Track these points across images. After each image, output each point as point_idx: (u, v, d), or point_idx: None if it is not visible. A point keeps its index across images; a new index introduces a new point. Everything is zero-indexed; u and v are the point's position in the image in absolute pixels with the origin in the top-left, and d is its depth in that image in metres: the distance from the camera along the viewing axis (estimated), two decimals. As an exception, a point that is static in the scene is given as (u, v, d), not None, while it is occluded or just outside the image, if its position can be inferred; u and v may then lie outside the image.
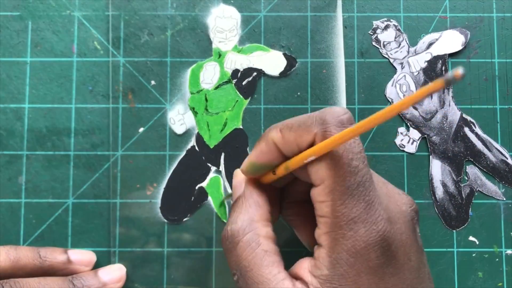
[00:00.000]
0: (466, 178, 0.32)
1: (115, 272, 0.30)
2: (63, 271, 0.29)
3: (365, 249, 0.21)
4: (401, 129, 0.32)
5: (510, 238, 0.32)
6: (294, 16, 0.33)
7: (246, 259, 0.23)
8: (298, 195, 0.27)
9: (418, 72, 0.33)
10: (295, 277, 0.23)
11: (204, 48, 0.33)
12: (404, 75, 0.33)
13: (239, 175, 0.26)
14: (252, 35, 0.33)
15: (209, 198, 0.32)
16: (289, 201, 0.27)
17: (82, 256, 0.30)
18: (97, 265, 0.30)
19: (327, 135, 0.21)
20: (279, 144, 0.23)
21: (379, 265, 0.21)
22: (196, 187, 0.32)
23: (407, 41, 0.33)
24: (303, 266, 0.23)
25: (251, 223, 0.24)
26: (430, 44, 0.33)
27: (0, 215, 0.31)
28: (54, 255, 0.29)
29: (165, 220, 0.32)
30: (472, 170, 0.32)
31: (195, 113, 0.32)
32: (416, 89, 0.33)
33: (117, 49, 0.33)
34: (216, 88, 0.32)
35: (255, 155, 0.25)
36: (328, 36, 0.33)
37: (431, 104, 0.32)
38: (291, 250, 0.27)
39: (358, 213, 0.21)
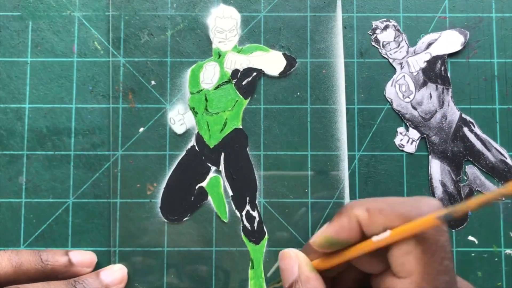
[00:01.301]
0: (465, 178, 0.32)
1: (117, 273, 0.30)
2: (65, 274, 0.29)
3: None
4: (401, 129, 0.32)
5: (509, 238, 0.32)
6: (294, 16, 0.33)
7: None
8: (350, 283, 0.26)
9: (418, 72, 0.33)
10: None
11: (204, 48, 0.33)
12: (404, 75, 0.33)
13: (289, 257, 0.24)
14: (252, 35, 0.33)
15: (209, 198, 0.32)
16: None
17: (83, 257, 0.30)
18: (98, 264, 0.30)
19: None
20: (363, 224, 0.22)
21: None
22: (196, 187, 0.32)
23: (407, 41, 0.33)
24: None
25: None
26: (429, 44, 0.33)
27: (0, 215, 0.31)
28: (55, 258, 0.29)
29: (165, 220, 0.32)
30: (471, 170, 0.32)
31: (195, 113, 0.32)
32: (416, 89, 0.33)
33: (117, 49, 0.33)
34: (216, 88, 0.32)
35: (334, 229, 0.23)
36: (328, 36, 0.33)
37: (430, 104, 0.32)
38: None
39: None
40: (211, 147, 0.32)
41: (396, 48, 0.33)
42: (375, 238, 0.21)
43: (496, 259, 0.31)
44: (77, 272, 0.30)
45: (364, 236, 0.22)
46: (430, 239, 0.20)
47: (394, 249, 0.21)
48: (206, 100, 0.32)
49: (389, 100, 0.32)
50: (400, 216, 0.21)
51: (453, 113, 0.32)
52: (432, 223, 0.19)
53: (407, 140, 0.32)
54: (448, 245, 0.21)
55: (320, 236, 0.23)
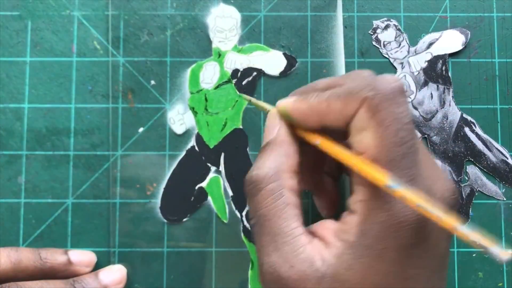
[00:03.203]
0: (467, 178, 0.32)
1: (116, 273, 0.30)
2: (64, 273, 0.29)
3: (398, 225, 0.20)
4: (401, 129, 0.32)
5: (510, 238, 0.31)
6: (294, 16, 0.33)
7: (266, 208, 0.22)
8: (327, 167, 0.27)
9: (419, 72, 0.33)
10: (314, 235, 0.22)
11: (204, 48, 0.33)
12: (404, 75, 0.33)
13: (274, 118, 0.25)
14: (252, 34, 0.33)
15: (209, 198, 0.32)
16: (319, 166, 0.27)
17: (83, 257, 0.30)
18: (97, 265, 0.30)
19: (376, 105, 0.20)
20: (322, 112, 0.22)
21: (409, 245, 0.20)
22: (196, 187, 0.32)
23: (407, 41, 0.33)
24: (326, 226, 0.22)
25: (277, 172, 0.23)
26: (430, 44, 0.33)
27: (-1, 215, 0.31)
28: (54, 257, 0.29)
29: (165, 220, 0.32)
30: (472, 170, 0.32)
31: (195, 113, 0.32)
32: (417, 89, 0.32)
33: (116, 49, 0.32)
34: (216, 88, 0.32)
35: (292, 108, 0.24)
36: (328, 36, 0.33)
37: (431, 104, 0.32)
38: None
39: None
40: (211, 147, 0.32)
41: (397, 47, 0.33)
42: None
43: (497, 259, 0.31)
44: (76, 272, 0.29)
45: (324, 125, 0.23)
46: (384, 112, 0.20)
47: (351, 125, 0.21)
48: (206, 100, 0.32)
49: (389, 100, 0.32)
50: (355, 96, 0.21)
51: (454, 113, 0.32)
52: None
53: (408, 140, 0.32)
54: (405, 116, 0.20)
55: (282, 104, 0.24)
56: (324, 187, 0.27)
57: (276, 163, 0.23)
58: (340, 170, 0.28)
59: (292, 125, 0.24)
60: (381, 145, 0.20)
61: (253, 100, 0.29)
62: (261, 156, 0.24)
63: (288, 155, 0.23)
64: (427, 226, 0.20)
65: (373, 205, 0.20)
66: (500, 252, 0.16)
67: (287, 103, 0.24)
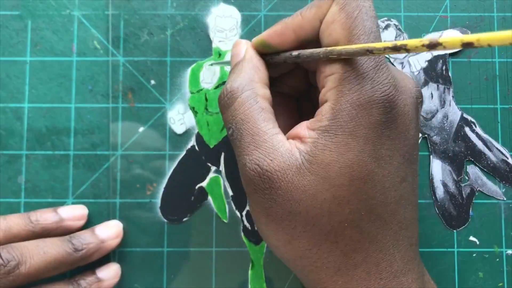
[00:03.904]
0: (467, 178, 0.32)
1: (112, 228, 0.30)
2: (57, 230, 0.29)
3: (368, 104, 0.21)
4: (402, 129, 0.32)
5: (510, 238, 0.31)
6: (294, 15, 0.33)
7: (243, 113, 0.23)
8: (287, 88, 0.28)
9: (419, 72, 0.32)
10: (291, 138, 0.23)
11: (204, 47, 0.33)
12: (405, 75, 0.33)
13: (239, 44, 0.27)
14: (252, 34, 0.33)
15: (209, 198, 0.32)
16: (276, 90, 0.28)
17: (74, 212, 0.30)
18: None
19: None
20: (297, 25, 0.24)
21: (379, 123, 0.21)
22: (196, 187, 0.32)
23: (408, 41, 0.33)
24: (301, 126, 0.23)
25: (250, 82, 0.24)
26: (430, 44, 0.33)
27: (-1, 215, 0.31)
28: (44, 217, 0.29)
29: (165, 220, 0.32)
30: (472, 170, 0.32)
31: (195, 113, 0.32)
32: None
33: (117, 48, 0.32)
34: (216, 87, 0.32)
35: (268, 33, 0.25)
36: (329, 36, 0.33)
37: (431, 104, 0.32)
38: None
39: (368, 70, 0.21)
40: (211, 147, 0.32)
41: (397, 47, 0.33)
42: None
43: (498, 259, 0.31)
44: (69, 227, 0.30)
45: (299, 43, 0.25)
46: (352, 5, 0.22)
47: (323, 23, 0.23)
48: (206, 99, 0.32)
49: (390, 99, 0.32)
50: None
51: (454, 113, 0.32)
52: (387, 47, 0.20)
53: (408, 140, 0.32)
54: (371, 9, 0.22)
55: (256, 39, 0.26)
56: (283, 108, 0.29)
57: (248, 75, 0.25)
58: (297, 90, 0.29)
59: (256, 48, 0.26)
60: (350, 34, 0.22)
61: (218, 61, 0.31)
62: (233, 72, 0.25)
63: (258, 68, 0.25)
64: (395, 108, 0.22)
65: (344, 87, 0.22)
66: None
67: (261, 34, 0.26)
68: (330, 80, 0.22)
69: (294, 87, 0.29)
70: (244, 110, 0.23)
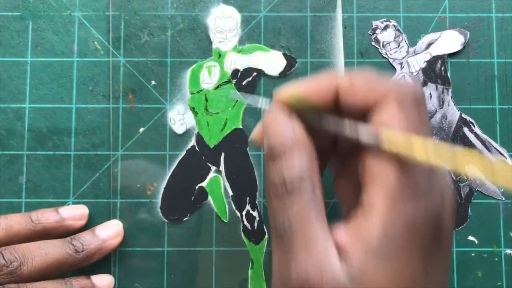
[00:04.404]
0: (465, 178, 0.32)
1: (113, 228, 0.30)
2: (58, 230, 0.29)
3: (421, 223, 0.19)
4: (401, 129, 0.32)
5: (509, 238, 0.32)
6: (294, 16, 0.33)
7: (300, 211, 0.20)
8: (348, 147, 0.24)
9: (418, 72, 0.33)
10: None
11: (204, 48, 0.33)
12: (404, 75, 0.33)
13: (280, 114, 0.21)
14: (252, 35, 0.33)
15: (209, 198, 0.32)
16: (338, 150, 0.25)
17: (74, 211, 0.30)
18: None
19: (405, 98, 0.20)
20: (344, 91, 0.21)
21: (430, 242, 0.19)
22: (196, 187, 0.32)
23: (407, 41, 0.33)
24: (343, 237, 0.20)
25: (310, 171, 0.20)
26: (429, 44, 0.33)
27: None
28: (45, 216, 0.29)
29: (165, 220, 0.32)
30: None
31: (195, 113, 0.32)
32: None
33: (117, 49, 0.33)
34: (216, 88, 0.32)
35: (308, 88, 0.21)
36: (328, 36, 0.33)
37: (430, 104, 0.32)
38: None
39: (422, 187, 0.19)
40: (211, 147, 0.32)
41: (396, 48, 0.33)
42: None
43: (496, 259, 0.31)
44: (70, 227, 0.30)
45: (337, 108, 0.21)
46: (410, 107, 0.20)
47: (376, 115, 0.20)
48: (206, 100, 0.32)
49: (389, 100, 0.32)
50: (382, 84, 0.20)
51: (453, 113, 0.32)
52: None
53: (407, 140, 0.32)
54: (426, 118, 0.20)
55: (291, 89, 0.22)
56: (344, 171, 0.25)
57: (307, 162, 0.21)
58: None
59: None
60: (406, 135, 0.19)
61: (242, 97, 0.29)
62: (282, 157, 0.21)
63: (312, 157, 0.21)
64: (442, 222, 0.20)
65: (396, 205, 0.19)
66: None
67: (297, 87, 0.21)
68: (379, 187, 0.19)
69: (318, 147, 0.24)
70: (302, 207, 0.20)
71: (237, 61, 0.32)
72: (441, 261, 0.20)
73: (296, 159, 0.20)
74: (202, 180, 0.32)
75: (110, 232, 0.30)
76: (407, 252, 0.19)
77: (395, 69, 0.33)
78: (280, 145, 0.21)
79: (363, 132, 0.20)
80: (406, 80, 0.21)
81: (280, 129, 0.21)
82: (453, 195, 0.21)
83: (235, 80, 0.32)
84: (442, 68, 0.33)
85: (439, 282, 0.20)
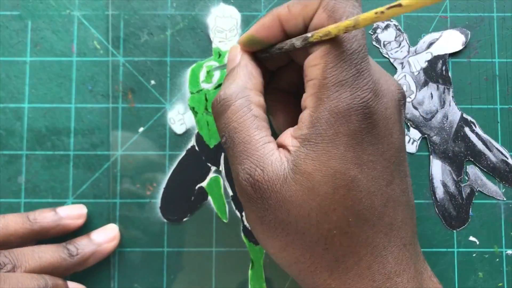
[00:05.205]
0: (467, 178, 0.32)
1: (109, 232, 0.30)
2: (56, 229, 0.29)
3: (347, 111, 0.21)
4: (402, 129, 0.32)
5: (510, 238, 0.31)
6: (294, 15, 0.33)
7: (236, 121, 0.23)
8: (284, 83, 0.28)
9: (419, 72, 0.32)
10: (280, 146, 0.23)
11: (204, 47, 0.33)
12: (405, 75, 0.33)
13: (234, 49, 0.27)
14: (252, 34, 0.33)
15: (209, 198, 0.32)
16: (274, 87, 0.28)
17: (72, 210, 0.30)
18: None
19: (333, 5, 0.22)
20: (284, 18, 0.24)
21: (359, 130, 0.21)
22: (196, 187, 0.32)
23: (407, 41, 0.33)
24: (286, 133, 0.23)
25: (244, 90, 0.24)
26: (430, 44, 0.33)
27: (-1, 215, 0.31)
28: (43, 216, 0.29)
29: (165, 220, 0.32)
30: (472, 170, 0.32)
31: (195, 113, 0.32)
32: (417, 89, 0.32)
33: (116, 48, 0.32)
34: (216, 88, 0.32)
35: (256, 28, 0.25)
36: (328, 36, 0.33)
37: (431, 104, 0.32)
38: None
39: (347, 78, 0.21)
40: (211, 147, 0.32)
41: (397, 47, 0.33)
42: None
43: (497, 259, 0.31)
44: (67, 226, 0.30)
45: (287, 36, 0.24)
46: (340, 11, 0.22)
47: (310, 27, 0.23)
48: (206, 100, 0.32)
49: (390, 100, 0.32)
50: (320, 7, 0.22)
51: (454, 113, 0.32)
52: (349, 25, 0.21)
53: (408, 140, 0.32)
54: (362, 50, 0.22)
55: (244, 35, 0.26)
56: (282, 104, 0.28)
57: (242, 82, 0.25)
58: (295, 85, 0.29)
59: (251, 52, 0.26)
60: (334, 39, 0.22)
61: (217, 65, 0.32)
62: (227, 79, 0.25)
63: (252, 75, 0.25)
64: (375, 113, 0.22)
65: (322, 94, 0.22)
66: None
67: (249, 30, 0.26)
68: (310, 85, 0.22)
69: (291, 82, 0.29)
70: (237, 118, 0.23)
71: (237, 61, 0.32)
72: (380, 150, 0.22)
73: (234, 82, 0.24)
74: (202, 180, 0.32)
75: (106, 236, 0.30)
76: (333, 137, 0.21)
77: (396, 69, 0.33)
78: (227, 69, 0.26)
79: (297, 41, 0.23)
80: None
81: (230, 56, 0.26)
82: (397, 92, 0.24)
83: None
84: (443, 67, 0.32)
85: (378, 170, 0.22)
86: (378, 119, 0.22)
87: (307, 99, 0.23)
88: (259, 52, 0.26)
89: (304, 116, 0.22)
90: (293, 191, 0.22)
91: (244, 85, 0.24)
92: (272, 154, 0.23)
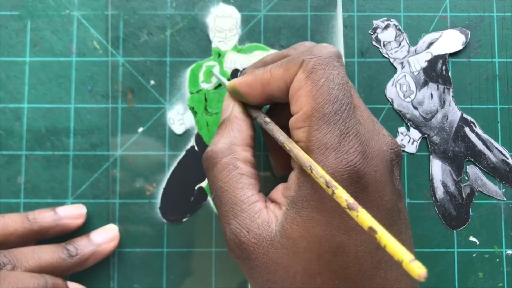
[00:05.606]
0: (467, 178, 0.32)
1: (108, 232, 0.30)
2: (55, 229, 0.29)
3: (332, 176, 0.21)
4: (401, 129, 0.32)
5: (510, 238, 0.31)
6: (294, 15, 0.33)
7: (222, 180, 0.24)
8: (280, 119, 0.28)
9: (419, 72, 0.32)
10: (272, 201, 0.23)
11: (203, 47, 0.33)
12: (405, 75, 0.32)
13: (228, 97, 0.27)
14: (251, 34, 0.33)
15: (209, 198, 0.32)
16: (274, 121, 0.28)
17: (71, 210, 0.30)
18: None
19: (312, 67, 0.22)
20: (265, 82, 0.24)
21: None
22: (196, 187, 0.32)
23: (407, 41, 0.33)
24: (278, 189, 0.24)
25: (231, 146, 0.24)
26: (430, 44, 0.33)
27: (-1, 216, 0.31)
28: (42, 215, 0.29)
29: (165, 220, 0.32)
30: (472, 170, 0.32)
31: (194, 113, 0.32)
32: (417, 89, 0.32)
33: (116, 48, 0.32)
34: (216, 88, 0.32)
35: (239, 82, 0.26)
36: (328, 36, 0.33)
37: (431, 104, 0.32)
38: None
39: (331, 141, 0.21)
40: (211, 147, 0.32)
41: (397, 47, 0.33)
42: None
43: (498, 260, 0.31)
44: (67, 225, 0.30)
45: (268, 96, 0.25)
46: (318, 73, 0.22)
47: (290, 88, 0.23)
48: (206, 100, 0.32)
49: (390, 100, 0.32)
50: (294, 61, 0.23)
51: (454, 113, 0.32)
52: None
53: (408, 140, 0.32)
54: (339, 77, 0.22)
55: (230, 82, 0.26)
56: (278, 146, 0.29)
57: (229, 138, 0.25)
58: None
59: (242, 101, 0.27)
60: (314, 102, 0.22)
61: (216, 74, 0.31)
62: (217, 134, 0.26)
63: (240, 130, 0.25)
64: (363, 177, 0.21)
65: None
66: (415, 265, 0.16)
67: (235, 79, 0.26)
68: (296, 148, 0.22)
69: (287, 118, 0.28)
70: (223, 177, 0.24)
71: (236, 61, 0.32)
72: (370, 214, 0.21)
73: (222, 138, 0.25)
74: (202, 180, 0.32)
75: (105, 236, 0.30)
76: (318, 203, 0.21)
77: (396, 69, 0.33)
78: (221, 119, 0.26)
79: (276, 133, 0.24)
80: (320, 48, 0.23)
81: (224, 106, 0.27)
82: (390, 152, 0.23)
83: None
84: (443, 67, 0.32)
85: (366, 234, 0.21)
86: (367, 182, 0.21)
87: (294, 162, 0.23)
88: (248, 107, 0.27)
89: (292, 178, 0.22)
90: (279, 254, 0.22)
91: (231, 141, 0.25)
92: (259, 216, 0.22)
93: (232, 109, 0.26)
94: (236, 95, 0.26)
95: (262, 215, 0.22)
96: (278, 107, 0.28)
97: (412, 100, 0.32)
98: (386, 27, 0.33)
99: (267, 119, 0.25)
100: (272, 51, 0.32)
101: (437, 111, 0.32)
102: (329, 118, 0.21)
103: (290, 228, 0.21)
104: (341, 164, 0.21)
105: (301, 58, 0.23)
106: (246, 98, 0.26)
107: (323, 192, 0.21)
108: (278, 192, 0.23)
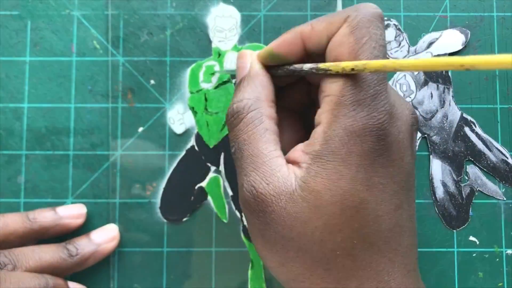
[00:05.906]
0: (467, 178, 0.32)
1: (108, 232, 0.30)
2: (55, 228, 0.29)
3: (362, 131, 0.21)
4: (401, 129, 0.32)
5: (510, 238, 0.31)
6: (294, 15, 0.33)
7: (246, 133, 0.23)
8: (291, 102, 0.28)
9: (418, 72, 0.32)
10: (291, 161, 0.23)
11: (203, 47, 0.33)
12: (404, 75, 0.33)
13: (245, 56, 0.26)
14: (251, 34, 0.33)
15: (209, 198, 0.32)
16: (280, 105, 0.28)
17: (71, 210, 0.30)
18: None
19: (357, 23, 0.22)
20: (306, 36, 0.24)
21: (372, 151, 0.21)
22: (196, 187, 0.32)
23: (407, 41, 0.33)
24: (297, 149, 0.23)
25: (256, 101, 0.24)
26: (430, 44, 0.33)
27: (-1, 215, 0.31)
28: (42, 215, 0.29)
29: (165, 220, 0.32)
30: (472, 170, 0.32)
31: (194, 113, 0.32)
32: (417, 88, 0.32)
33: (116, 48, 0.32)
34: (216, 87, 0.32)
35: (276, 43, 0.25)
36: (328, 36, 0.33)
37: (431, 103, 0.32)
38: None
39: (365, 97, 0.21)
40: (211, 147, 0.32)
41: (397, 47, 0.33)
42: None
43: (498, 259, 0.31)
44: (67, 225, 0.30)
45: (308, 54, 0.24)
46: (362, 30, 0.22)
47: (331, 41, 0.23)
48: (206, 99, 0.32)
49: (389, 99, 0.32)
50: (338, 16, 0.23)
51: (454, 112, 0.32)
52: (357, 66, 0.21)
53: (408, 140, 0.32)
54: (381, 38, 0.22)
55: (263, 50, 0.25)
56: (288, 123, 0.28)
57: (254, 94, 0.24)
58: (302, 104, 0.29)
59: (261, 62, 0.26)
60: (355, 59, 0.22)
61: (223, 69, 0.31)
62: (239, 90, 0.25)
63: (264, 86, 0.25)
64: (388, 136, 0.21)
65: (338, 112, 0.21)
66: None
67: (268, 45, 0.25)
68: (326, 101, 0.22)
69: (298, 101, 0.28)
70: (247, 131, 0.23)
71: (237, 61, 0.32)
72: (391, 173, 0.22)
73: (246, 93, 0.24)
74: (202, 180, 0.32)
75: (105, 236, 0.30)
76: (346, 157, 0.21)
77: (396, 69, 0.32)
78: (238, 77, 0.26)
79: (307, 65, 0.24)
80: (365, 6, 0.23)
81: (240, 64, 0.26)
82: (411, 117, 0.23)
83: (234, 80, 0.32)
84: (443, 67, 0.32)
85: (387, 194, 0.22)
86: (391, 141, 0.22)
87: (322, 115, 0.22)
88: (274, 70, 0.26)
89: (317, 132, 0.22)
90: (299, 207, 0.21)
91: (256, 96, 0.24)
92: (279, 169, 0.22)
93: (251, 65, 0.25)
94: (273, 60, 0.25)
95: (282, 169, 0.22)
96: (289, 89, 0.28)
97: (412, 100, 0.32)
98: (386, 26, 0.33)
99: (297, 65, 0.24)
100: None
101: (437, 110, 0.32)
102: (366, 76, 0.21)
103: (313, 182, 0.21)
104: (371, 120, 0.21)
105: (347, 13, 0.22)
106: (285, 59, 0.25)
107: (351, 146, 0.21)
108: (297, 151, 0.23)
